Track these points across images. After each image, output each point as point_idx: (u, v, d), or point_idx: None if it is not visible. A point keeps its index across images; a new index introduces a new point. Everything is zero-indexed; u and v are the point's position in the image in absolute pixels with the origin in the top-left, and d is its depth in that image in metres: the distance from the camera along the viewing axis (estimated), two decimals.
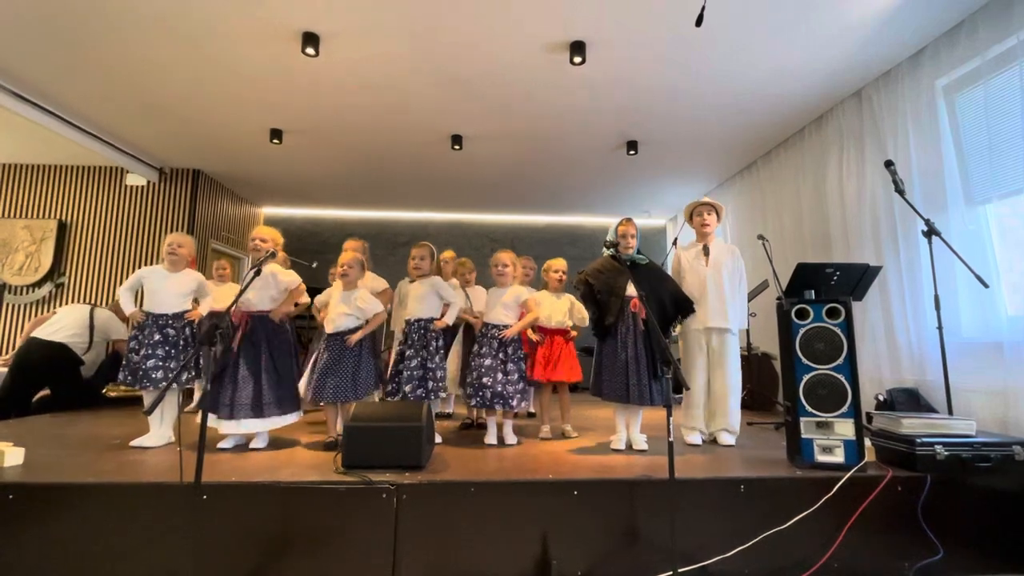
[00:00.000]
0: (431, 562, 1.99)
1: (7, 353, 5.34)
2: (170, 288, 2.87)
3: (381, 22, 3.19)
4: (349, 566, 1.95)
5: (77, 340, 4.09)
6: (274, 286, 2.84)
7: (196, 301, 3.05)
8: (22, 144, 5.20)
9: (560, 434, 3.20)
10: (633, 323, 2.77)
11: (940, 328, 2.67)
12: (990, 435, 2.39)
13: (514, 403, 2.88)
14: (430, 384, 2.90)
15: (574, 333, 3.37)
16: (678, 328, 3.04)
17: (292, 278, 2.89)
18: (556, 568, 1.98)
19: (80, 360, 4.14)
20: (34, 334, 4.06)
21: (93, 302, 5.22)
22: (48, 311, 5.49)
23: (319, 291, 3.32)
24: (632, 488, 2.12)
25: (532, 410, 3.98)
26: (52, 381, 4.10)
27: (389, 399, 2.89)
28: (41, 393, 4.14)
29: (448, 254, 4.00)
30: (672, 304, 2.86)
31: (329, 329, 2.90)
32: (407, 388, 2.87)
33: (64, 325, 4.09)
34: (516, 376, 2.94)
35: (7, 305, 5.45)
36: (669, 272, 3.13)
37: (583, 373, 3.35)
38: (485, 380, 2.88)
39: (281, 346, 2.83)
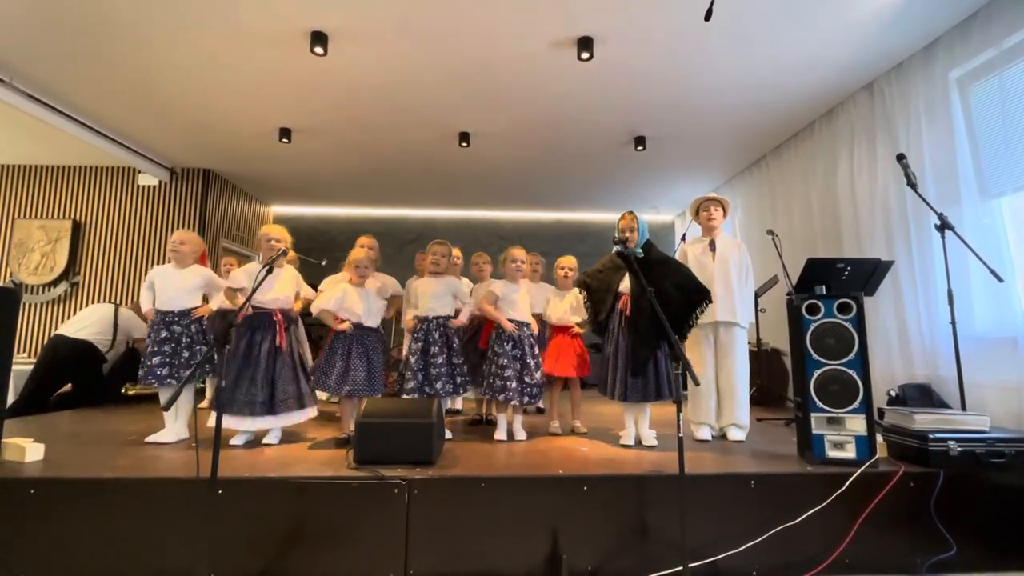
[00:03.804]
0: (442, 556, 2.01)
1: (25, 351, 5.44)
2: (176, 285, 2.91)
3: (389, 20, 3.20)
4: (361, 560, 1.98)
5: (101, 338, 4.18)
6: (296, 285, 2.97)
7: (206, 298, 3.09)
8: (37, 145, 5.27)
9: (570, 430, 3.21)
10: (620, 320, 2.80)
11: (953, 323, 2.64)
12: (1004, 431, 2.36)
13: (538, 398, 2.98)
14: (458, 379, 2.98)
15: (580, 330, 3.38)
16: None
17: (308, 289, 3.11)
18: (566, 563, 1.99)
19: (104, 358, 4.23)
20: (59, 331, 4.16)
21: (117, 301, 5.31)
22: (63, 310, 5.60)
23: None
24: (642, 484, 2.13)
25: (541, 406, 3.99)
26: (77, 378, 4.19)
27: (413, 396, 2.90)
28: (62, 389, 4.22)
29: (455, 252, 4.00)
30: (685, 295, 2.73)
31: (369, 323, 2.97)
32: (438, 385, 2.90)
33: (90, 323, 4.18)
34: (539, 372, 3.02)
35: (23, 304, 5.54)
36: None
37: (592, 369, 3.37)
38: (526, 378, 2.92)
39: (297, 343, 2.93)
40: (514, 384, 2.90)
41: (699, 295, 2.71)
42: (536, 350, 3.04)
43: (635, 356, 2.70)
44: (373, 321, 2.99)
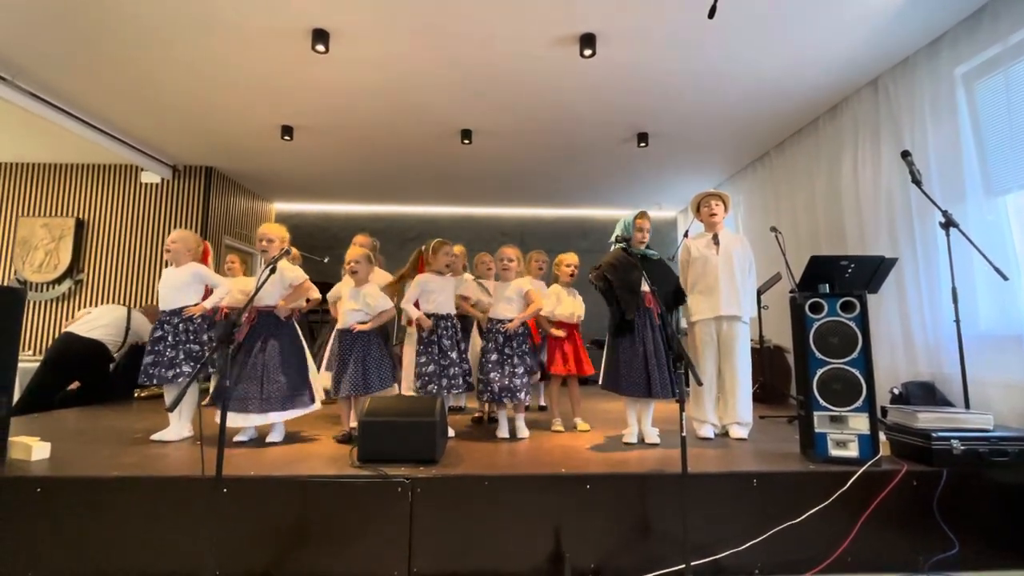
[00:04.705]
0: (446, 555, 2.01)
1: (29, 348, 5.47)
2: (169, 284, 2.91)
3: (391, 17, 3.19)
4: (365, 558, 1.99)
5: (113, 339, 4.22)
6: (279, 282, 2.85)
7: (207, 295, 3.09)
8: (40, 143, 5.28)
9: (572, 427, 3.21)
10: (648, 317, 2.79)
11: (957, 321, 2.64)
12: (1008, 429, 2.36)
13: (522, 396, 2.90)
14: (452, 381, 2.94)
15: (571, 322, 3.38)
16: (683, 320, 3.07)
17: (297, 274, 2.91)
18: (569, 561, 2.00)
19: (112, 358, 4.29)
20: (70, 329, 4.17)
21: (129, 304, 5.34)
22: (68, 308, 5.62)
23: (330, 286, 3.34)
24: (645, 482, 2.13)
25: (543, 403, 4.00)
26: (85, 376, 4.23)
27: (419, 393, 2.90)
28: (69, 387, 4.26)
29: (458, 249, 4.00)
30: (672, 297, 2.93)
31: (340, 324, 2.95)
32: (417, 384, 2.91)
33: (103, 324, 4.21)
34: (522, 369, 2.95)
35: (27, 301, 5.56)
36: (678, 262, 3.15)
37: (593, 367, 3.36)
38: (492, 375, 2.91)
39: (286, 339, 2.83)
40: (479, 377, 2.99)
41: (680, 296, 2.96)
42: (508, 349, 2.96)
43: (673, 347, 2.70)
44: (344, 322, 2.92)
